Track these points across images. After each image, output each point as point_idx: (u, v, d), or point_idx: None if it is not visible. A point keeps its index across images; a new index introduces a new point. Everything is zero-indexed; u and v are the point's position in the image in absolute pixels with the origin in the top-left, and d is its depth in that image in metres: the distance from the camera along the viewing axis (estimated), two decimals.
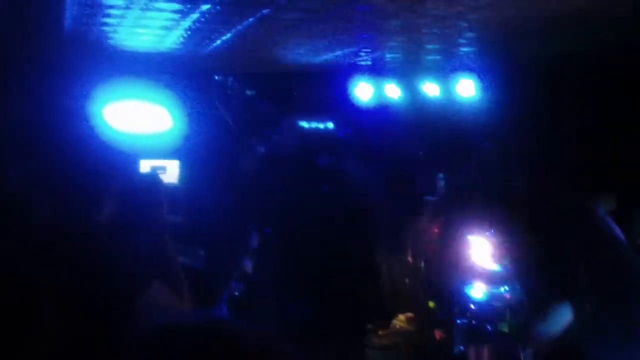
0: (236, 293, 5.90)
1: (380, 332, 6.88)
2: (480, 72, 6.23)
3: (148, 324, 1.43)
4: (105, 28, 4.72)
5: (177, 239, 3.02)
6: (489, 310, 5.41)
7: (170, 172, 6.61)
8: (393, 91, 6.98)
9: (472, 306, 5.55)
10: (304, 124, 7.27)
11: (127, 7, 4.05)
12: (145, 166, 6.37)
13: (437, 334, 5.95)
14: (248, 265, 5.93)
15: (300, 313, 5.47)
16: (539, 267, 4.51)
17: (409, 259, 6.99)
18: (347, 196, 5.93)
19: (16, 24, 4.70)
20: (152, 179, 3.11)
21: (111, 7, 4.06)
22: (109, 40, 5.17)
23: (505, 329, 5.18)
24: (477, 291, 5.58)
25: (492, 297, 5.46)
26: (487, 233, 5.56)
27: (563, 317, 4.33)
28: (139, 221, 2.73)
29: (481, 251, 5.58)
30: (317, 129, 7.24)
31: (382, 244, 6.68)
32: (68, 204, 2.59)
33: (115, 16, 4.32)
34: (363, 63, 6.50)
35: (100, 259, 2.07)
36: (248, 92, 7.34)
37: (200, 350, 1.31)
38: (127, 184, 2.87)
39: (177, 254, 2.98)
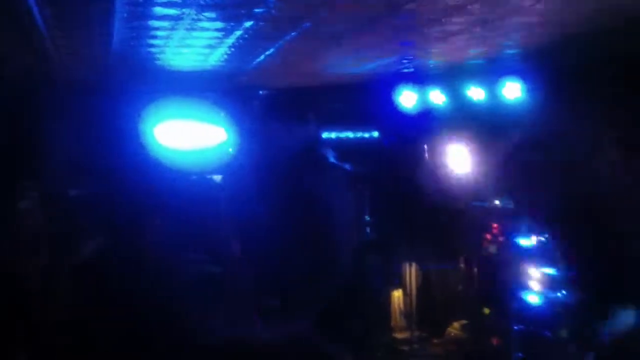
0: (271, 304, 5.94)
1: (434, 341, 6.82)
2: (526, 74, 6.13)
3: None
4: (152, 49, 4.81)
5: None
6: (546, 316, 5.32)
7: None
8: (437, 97, 6.94)
9: (528, 312, 5.46)
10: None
11: (172, 28, 4.12)
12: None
13: (494, 340, 5.87)
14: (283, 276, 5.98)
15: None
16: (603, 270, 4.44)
17: (462, 265, 6.91)
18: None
19: (65, 47, 4.82)
20: (210, 188, 3.06)
21: (157, 28, 4.13)
22: (155, 61, 5.26)
23: (564, 334, 5.07)
24: (534, 296, 5.49)
25: (549, 302, 5.36)
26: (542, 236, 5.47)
27: (627, 320, 4.25)
28: (198, 234, 2.71)
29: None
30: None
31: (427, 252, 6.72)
32: (125, 222, 2.62)
33: (162, 37, 4.39)
34: (406, 71, 6.47)
35: (154, 279, 2.08)
36: (292, 105, 7.38)
37: None
38: (183, 198, 2.87)
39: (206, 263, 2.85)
